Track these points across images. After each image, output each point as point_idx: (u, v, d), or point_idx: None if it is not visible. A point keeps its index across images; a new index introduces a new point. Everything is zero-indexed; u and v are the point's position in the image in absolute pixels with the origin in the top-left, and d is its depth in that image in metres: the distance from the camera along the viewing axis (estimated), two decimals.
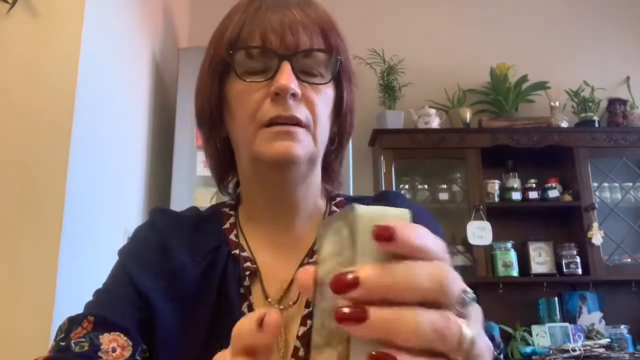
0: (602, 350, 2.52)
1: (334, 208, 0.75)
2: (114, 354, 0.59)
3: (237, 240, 0.72)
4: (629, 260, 2.93)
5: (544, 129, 3.03)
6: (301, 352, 0.63)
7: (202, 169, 2.41)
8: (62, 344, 0.60)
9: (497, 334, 2.76)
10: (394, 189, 2.87)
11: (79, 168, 1.48)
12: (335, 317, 0.30)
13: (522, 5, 3.47)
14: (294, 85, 0.63)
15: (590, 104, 3.15)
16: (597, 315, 2.92)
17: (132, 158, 2.15)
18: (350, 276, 0.30)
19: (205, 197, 2.33)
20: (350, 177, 2.39)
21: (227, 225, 0.74)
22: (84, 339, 0.59)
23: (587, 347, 2.53)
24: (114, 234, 1.83)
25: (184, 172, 2.40)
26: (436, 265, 0.31)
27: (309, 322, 0.64)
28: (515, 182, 3.00)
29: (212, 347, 0.61)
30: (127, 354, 0.60)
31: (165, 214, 0.76)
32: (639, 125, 3.14)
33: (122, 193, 1.97)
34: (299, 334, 0.64)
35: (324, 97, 0.68)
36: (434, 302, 0.31)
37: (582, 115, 3.14)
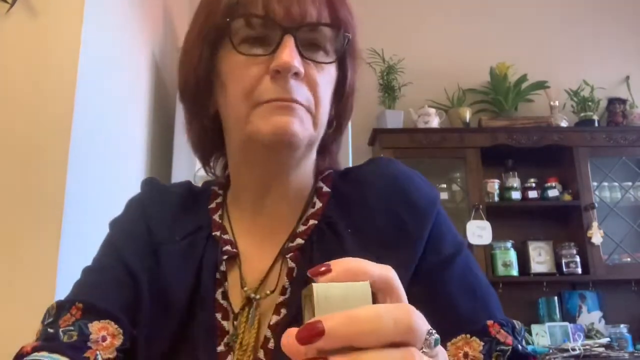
0: (601, 349, 2.53)
1: (320, 184, 0.68)
2: (104, 344, 0.56)
3: (220, 221, 0.67)
4: (629, 259, 2.93)
5: (543, 128, 3.03)
6: (271, 344, 0.58)
7: (202, 169, 2.41)
8: (50, 330, 0.58)
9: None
10: None
11: (79, 167, 1.48)
12: None
13: (522, 5, 3.47)
14: (297, 63, 0.57)
15: (589, 103, 3.15)
16: (596, 314, 2.92)
17: (132, 158, 2.15)
18: (316, 326, 0.30)
19: None
20: None
21: (213, 205, 0.69)
22: (72, 328, 0.57)
23: (587, 347, 2.53)
24: None
25: (184, 172, 2.40)
26: (401, 307, 0.32)
27: (282, 310, 0.60)
28: (514, 182, 3.00)
29: (182, 334, 0.60)
30: (118, 342, 0.57)
31: (153, 187, 0.72)
32: (638, 124, 3.14)
33: (122, 193, 1.97)
34: (271, 322, 0.60)
35: (327, 77, 0.62)
36: (400, 343, 0.31)
37: (582, 114, 3.14)
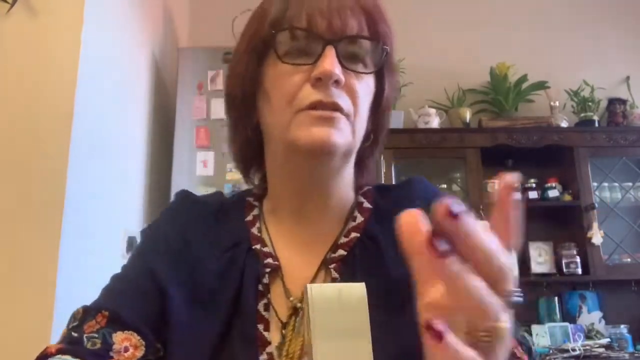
0: (602, 350, 2.52)
1: (361, 199, 0.71)
2: (125, 354, 0.57)
3: (259, 234, 0.68)
4: (629, 259, 2.93)
5: (543, 128, 3.03)
6: None
7: (202, 169, 2.41)
8: (75, 334, 0.58)
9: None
10: None
11: (79, 168, 1.48)
12: (423, 325, 0.31)
13: (522, 5, 3.47)
14: (338, 71, 0.59)
15: (590, 103, 3.15)
16: (597, 315, 2.92)
17: (132, 158, 2.15)
18: (456, 208, 0.31)
19: None
20: None
21: (250, 218, 0.71)
22: (96, 335, 0.57)
23: (587, 347, 2.53)
24: (114, 234, 1.83)
25: (184, 172, 2.40)
26: (507, 257, 0.33)
27: None
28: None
29: (223, 347, 0.60)
30: (139, 354, 0.58)
31: (188, 199, 0.73)
32: (638, 125, 3.14)
33: (122, 193, 1.97)
34: None
35: (366, 88, 0.64)
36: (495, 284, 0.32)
37: (582, 115, 3.14)
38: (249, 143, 0.70)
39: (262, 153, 0.70)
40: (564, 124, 3.08)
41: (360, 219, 0.68)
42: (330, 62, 0.59)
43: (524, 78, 3.18)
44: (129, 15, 2.06)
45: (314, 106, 0.60)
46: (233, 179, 2.38)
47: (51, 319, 1.31)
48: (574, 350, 2.49)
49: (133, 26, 2.14)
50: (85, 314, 0.60)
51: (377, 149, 0.72)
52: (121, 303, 0.61)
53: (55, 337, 1.11)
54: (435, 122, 3.05)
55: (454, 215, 0.31)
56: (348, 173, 0.68)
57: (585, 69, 3.30)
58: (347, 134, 0.61)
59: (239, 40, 0.69)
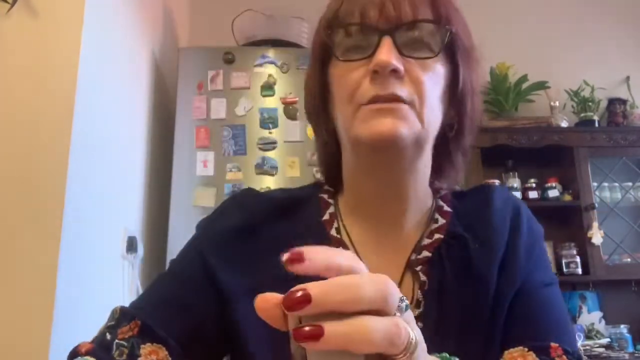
0: (602, 350, 2.52)
1: (440, 202, 0.69)
2: None
3: (338, 236, 0.66)
4: (629, 259, 2.93)
5: (544, 128, 3.03)
6: None
7: (202, 169, 2.41)
8: (108, 337, 0.58)
9: None
10: None
11: (79, 168, 1.48)
12: (294, 337, 0.32)
13: (522, 5, 3.47)
14: (394, 60, 0.57)
15: (590, 103, 3.15)
16: (597, 315, 2.92)
17: (132, 158, 2.15)
18: (300, 294, 0.32)
19: (205, 197, 2.33)
20: None
21: (326, 217, 0.67)
22: (126, 343, 0.57)
23: (587, 347, 2.53)
24: (114, 234, 1.83)
25: (184, 172, 2.40)
26: (378, 276, 0.34)
27: (419, 324, 0.58)
28: (515, 182, 3.00)
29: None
30: None
31: (254, 195, 0.70)
32: (638, 125, 3.14)
33: (122, 193, 1.97)
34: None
35: (433, 74, 0.60)
36: (377, 311, 0.33)
37: (582, 115, 3.14)
38: (326, 147, 0.69)
39: (340, 156, 0.69)
40: (564, 124, 3.08)
41: (442, 221, 0.67)
42: (385, 52, 0.57)
43: (524, 78, 3.18)
44: (129, 15, 2.06)
45: (373, 100, 0.58)
46: (233, 179, 2.38)
47: (51, 319, 1.31)
48: None
49: (133, 26, 2.14)
50: (122, 316, 0.59)
51: (464, 140, 0.67)
52: (157, 313, 0.60)
53: (55, 337, 1.11)
54: None
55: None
56: (424, 168, 0.65)
57: (585, 69, 3.30)
58: (413, 123, 0.58)
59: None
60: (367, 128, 0.58)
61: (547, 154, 3.04)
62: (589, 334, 2.80)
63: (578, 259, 2.87)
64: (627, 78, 3.33)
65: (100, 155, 1.69)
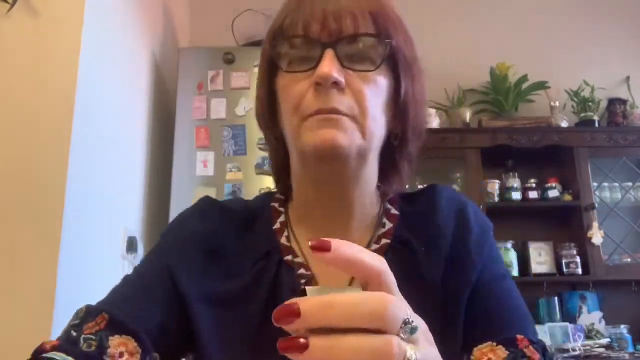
0: (602, 350, 2.52)
1: (388, 205, 0.71)
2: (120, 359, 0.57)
3: (288, 244, 0.68)
4: (629, 260, 2.93)
5: (544, 128, 3.03)
6: None
7: (202, 169, 2.41)
8: (73, 333, 0.58)
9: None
10: None
11: (79, 168, 1.48)
12: (278, 347, 0.32)
13: (522, 5, 3.47)
14: (335, 73, 0.59)
15: (590, 103, 3.15)
16: (597, 315, 2.92)
17: (132, 158, 2.15)
18: (293, 307, 0.32)
19: None
20: None
21: (277, 226, 0.70)
22: (94, 337, 0.57)
23: (587, 347, 2.53)
24: (114, 233, 1.83)
25: (184, 172, 2.40)
26: (377, 296, 0.34)
27: None
28: (515, 182, 3.00)
29: (257, 358, 0.60)
30: None
31: (215, 205, 0.72)
32: (638, 125, 3.14)
33: (122, 193, 1.97)
34: None
35: (374, 86, 0.62)
36: (377, 330, 0.33)
37: (582, 115, 3.14)
38: (276, 153, 0.71)
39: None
40: (564, 124, 3.07)
41: (389, 225, 0.69)
42: (327, 65, 0.59)
43: (524, 78, 3.18)
44: (129, 15, 2.06)
45: (317, 113, 0.60)
46: (233, 178, 2.38)
47: (51, 319, 1.31)
48: (574, 350, 2.49)
49: (133, 26, 2.14)
50: (87, 314, 0.59)
51: (408, 148, 0.69)
52: (124, 307, 0.60)
53: (55, 336, 1.11)
54: (435, 123, 3.05)
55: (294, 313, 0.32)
56: (369, 177, 0.67)
57: (585, 69, 3.30)
58: (353, 135, 0.60)
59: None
60: (310, 138, 0.60)
61: (547, 154, 3.04)
62: (589, 334, 2.80)
63: (578, 259, 2.87)
64: (627, 78, 3.32)
65: (100, 155, 1.69)
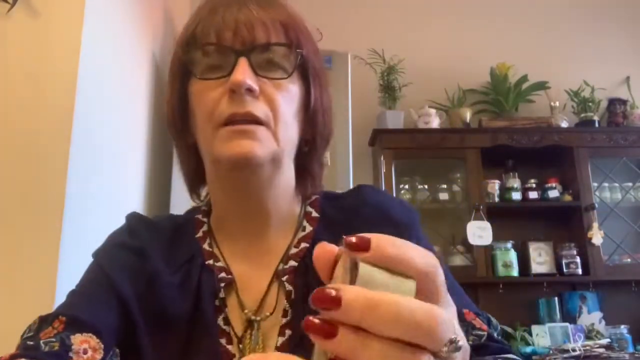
0: (602, 350, 2.52)
1: (309, 208, 0.72)
2: (85, 356, 0.57)
3: (210, 249, 0.69)
4: (629, 260, 2.93)
5: (544, 129, 3.03)
6: None
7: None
8: (30, 342, 0.57)
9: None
10: (394, 189, 2.87)
11: (79, 168, 1.48)
12: (305, 326, 0.29)
13: (522, 5, 3.47)
14: (249, 80, 0.60)
15: (590, 104, 3.15)
16: (597, 315, 2.92)
17: (132, 158, 2.15)
18: (333, 294, 0.29)
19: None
20: (350, 177, 2.39)
21: (200, 234, 0.71)
22: (54, 339, 0.57)
23: (587, 347, 2.53)
24: None
25: None
26: (428, 311, 0.30)
27: (287, 332, 0.63)
28: (515, 182, 3.00)
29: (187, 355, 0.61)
30: (99, 356, 0.57)
31: (142, 221, 0.74)
32: (639, 125, 3.14)
33: (122, 193, 1.97)
34: (278, 344, 0.62)
35: (287, 94, 0.64)
36: (416, 345, 0.29)
37: (582, 115, 3.14)
38: (189, 161, 0.72)
39: (203, 171, 0.71)
40: (564, 124, 3.08)
41: (309, 228, 0.70)
42: (241, 72, 0.60)
43: (524, 78, 3.19)
44: (129, 16, 2.06)
45: (231, 119, 0.61)
46: None
47: None
48: (574, 350, 2.49)
49: (133, 26, 2.14)
50: (41, 323, 0.59)
51: (318, 153, 0.72)
52: (79, 308, 0.61)
53: None
54: (435, 122, 3.05)
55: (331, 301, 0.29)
56: (284, 181, 0.68)
57: (585, 69, 3.30)
58: (268, 143, 0.62)
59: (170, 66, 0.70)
60: (225, 149, 0.60)
61: (547, 154, 3.04)
62: (589, 334, 2.80)
63: (578, 259, 2.87)
64: (627, 78, 3.33)
65: (101, 155, 1.69)
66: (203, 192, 0.75)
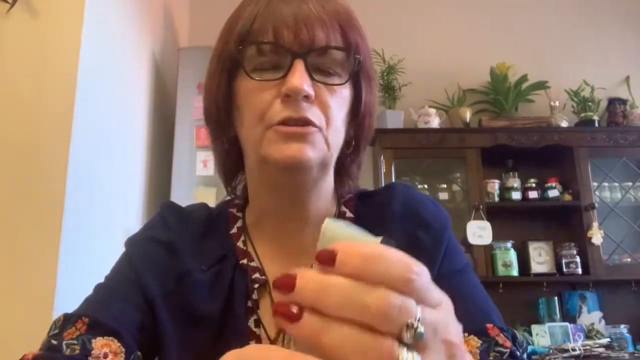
0: (602, 349, 2.52)
1: (344, 208, 0.71)
2: None
3: (245, 247, 0.68)
4: (629, 260, 2.93)
5: (543, 128, 3.03)
6: None
7: (202, 169, 2.41)
8: (54, 342, 0.57)
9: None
10: None
11: (79, 167, 1.48)
12: (273, 309, 0.31)
13: (522, 5, 3.47)
14: (307, 86, 0.58)
15: (590, 103, 3.15)
16: (597, 314, 2.92)
17: (132, 158, 2.15)
18: (288, 278, 0.31)
19: (205, 197, 2.32)
20: None
21: (234, 230, 0.70)
22: (75, 342, 0.56)
23: (587, 347, 2.53)
24: (114, 233, 1.83)
25: (184, 171, 2.40)
26: (380, 292, 0.30)
27: None
28: (515, 182, 3.00)
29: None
30: None
31: (175, 211, 0.72)
32: (639, 125, 3.14)
33: (122, 193, 1.97)
34: None
35: (340, 99, 0.63)
36: (374, 328, 0.30)
37: (582, 115, 3.14)
38: (227, 155, 0.70)
39: (242, 165, 0.70)
40: (564, 124, 3.08)
41: None
42: (298, 78, 0.58)
43: (524, 78, 3.18)
44: (129, 15, 2.06)
45: (284, 122, 0.59)
46: None
47: (51, 318, 1.30)
48: (574, 350, 2.49)
49: (133, 26, 2.14)
50: (65, 322, 0.59)
51: (359, 155, 0.71)
52: (102, 310, 0.60)
53: None
54: (435, 122, 3.05)
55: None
56: (327, 184, 0.68)
57: (585, 69, 3.30)
58: (320, 148, 0.60)
59: (212, 53, 0.68)
60: (277, 150, 0.59)
61: (547, 154, 3.04)
62: (589, 334, 2.81)
63: (578, 259, 2.87)
64: (627, 78, 3.32)
65: (100, 155, 1.69)
66: (239, 186, 0.73)
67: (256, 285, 0.64)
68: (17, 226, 1.35)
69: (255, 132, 0.61)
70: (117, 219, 1.86)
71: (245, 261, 0.66)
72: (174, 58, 2.67)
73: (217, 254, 0.66)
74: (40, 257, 1.34)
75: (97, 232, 1.64)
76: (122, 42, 1.99)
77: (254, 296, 0.64)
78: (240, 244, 0.68)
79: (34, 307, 1.32)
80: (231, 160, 0.70)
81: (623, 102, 3.20)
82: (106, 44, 1.74)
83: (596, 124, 3.10)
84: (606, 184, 3.04)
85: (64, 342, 0.56)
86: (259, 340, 0.62)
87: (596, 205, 2.90)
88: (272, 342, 0.62)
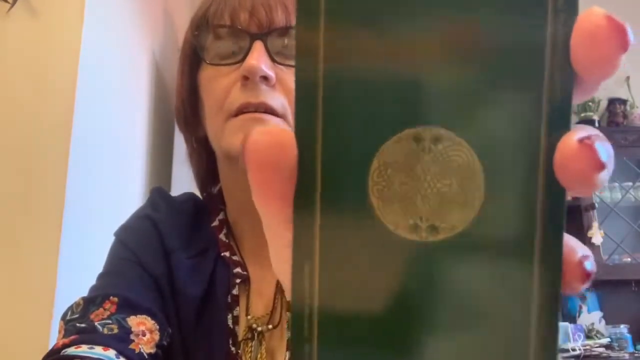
0: (602, 349, 2.52)
1: None
2: (144, 338, 0.53)
3: (227, 240, 0.64)
4: (629, 259, 2.93)
5: None
6: None
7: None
8: (81, 325, 0.52)
9: None
10: None
11: (79, 168, 1.48)
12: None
13: None
14: (264, 66, 0.54)
15: (590, 103, 3.15)
16: (597, 314, 2.92)
17: (132, 157, 2.15)
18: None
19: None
20: None
21: (216, 223, 0.66)
22: (110, 321, 0.52)
23: (587, 347, 2.53)
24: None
25: (184, 172, 2.40)
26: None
27: None
28: None
29: (191, 357, 0.58)
30: (157, 338, 0.54)
31: (164, 198, 0.69)
32: (639, 125, 3.14)
33: (122, 193, 1.97)
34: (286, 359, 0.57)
35: None
36: None
37: (582, 114, 3.14)
38: (200, 158, 0.66)
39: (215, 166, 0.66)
40: None
41: None
42: (255, 57, 0.54)
43: None
44: (129, 16, 2.06)
45: (243, 109, 0.55)
46: None
47: (51, 318, 1.31)
48: (574, 350, 2.50)
49: (133, 26, 2.14)
50: (87, 304, 0.55)
51: None
52: (127, 289, 0.57)
53: (54, 337, 1.11)
54: None
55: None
56: None
57: None
58: None
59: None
60: (236, 139, 0.55)
61: None
62: (589, 334, 2.81)
63: None
64: (627, 78, 3.32)
65: (100, 155, 1.69)
66: (213, 191, 0.70)
67: (238, 280, 0.61)
68: (17, 226, 1.36)
69: (216, 123, 0.58)
70: (117, 218, 1.86)
71: (227, 253, 0.62)
72: (174, 58, 2.66)
73: (199, 247, 0.64)
74: (40, 257, 1.35)
75: (97, 231, 1.64)
76: (122, 42, 1.99)
77: (234, 291, 0.60)
78: (222, 236, 0.64)
79: (34, 306, 1.32)
80: (205, 163, 0.66)
81: (623, 102, 3.20)
82: (106, 44, 1.74)
83: (596, 124, 3.10)
84: (606, 184, 3.04)
85: (97, 323, 0.52)
86: (235, 338, 0.59)
87: (596, 205, 2.90)
88: (240, 344, 0.59)
